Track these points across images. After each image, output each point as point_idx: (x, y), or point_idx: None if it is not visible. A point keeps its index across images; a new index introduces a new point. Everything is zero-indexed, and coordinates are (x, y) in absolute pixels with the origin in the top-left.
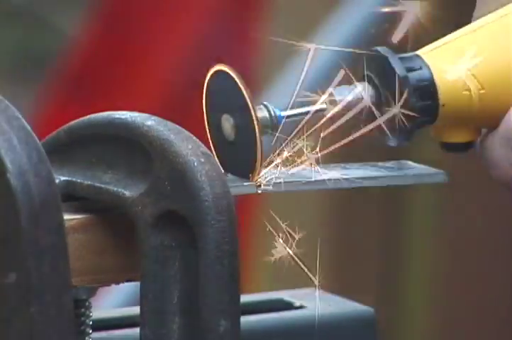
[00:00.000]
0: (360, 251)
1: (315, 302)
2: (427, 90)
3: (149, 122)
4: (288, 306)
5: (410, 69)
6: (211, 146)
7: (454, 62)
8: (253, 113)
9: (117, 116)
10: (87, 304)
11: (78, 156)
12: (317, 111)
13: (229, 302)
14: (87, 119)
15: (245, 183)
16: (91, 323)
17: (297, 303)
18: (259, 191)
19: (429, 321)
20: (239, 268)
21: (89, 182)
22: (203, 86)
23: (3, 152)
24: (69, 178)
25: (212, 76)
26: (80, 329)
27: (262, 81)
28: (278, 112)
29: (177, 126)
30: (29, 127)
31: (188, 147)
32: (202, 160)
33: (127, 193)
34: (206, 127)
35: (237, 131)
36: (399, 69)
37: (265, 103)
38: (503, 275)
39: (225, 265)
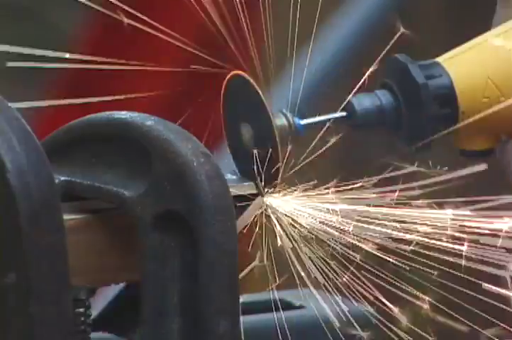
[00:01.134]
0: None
1: (315, 302)
2: (447, 97)
3: (149, 122)
4: (288, 306)
5: (429, 77)
6: (229, 152)
7: (473, 70)
8: (272, 122)
9: (117, 116)
10: (87, 304)
11: (78, 156)
12: (336, 120)
13: (229, 302)
14: (87, 119)
15: (245, 183)
16: (90, 322)
17: (297, 303)
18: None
19: (429, 321)
20: (239, 268)
21: (89, 182)
22: (204, 85)
23: (2, 152)
24: (69, 178)
25: (229, 82)
26: (80, 329)
27: (262, 81)
28: (297, 121)
29: (177, 126)
30: (29, 128)
31: (188, 147)
32: (202, 160)
33: (127, 193)
34: (224, 134)
35: (256, 139)
36: (419, 77)
37: (284, 111)
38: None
39: (225, 265)
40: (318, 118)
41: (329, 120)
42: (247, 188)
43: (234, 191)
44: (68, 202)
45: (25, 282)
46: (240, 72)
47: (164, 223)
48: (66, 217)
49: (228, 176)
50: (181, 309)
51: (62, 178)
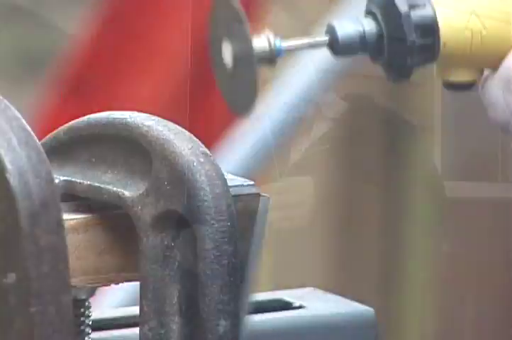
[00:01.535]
0: (360, 251)
1: (315, 302)
2: (429, 28)
3: (149, 122)
4: (288, 306)
5: (413, 6)
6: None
7: (458, 1)
8: (251, 42)
9: (117, 116)
10: (87, 304)
11: (78, 156)
12: (318, 43)
13: (229, 302)
14: (87, 119)
15: (245, 183)
16: (90, 323)
17: (297, 303)
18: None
19: (429, 321)
20: (239, 268)
21: (89, 182)
22: (204, 85)
23: (2, 152)
24: (69, 178)
25: (214, 6)
26: (80, 329)
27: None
28: (278, 43)
29: (177, 126)
30: (29, 127)
31: (188, 147)
32: (202, 160)
33: (127, 193)
34: (210, 57)
35: (236, 60)
36: (402, 6)
37: (267, 32)
38: (503, 275)
39: (225, 265)
40: (299, 41)
41: (311, 44)
42: (247, 188)
43: (234, 191)
44: (68, 202)
45: (25, 282)
46: None
47: (164, 223)
48: (66, 217)
49: (228, 176)
50: (181, 309)
51: (62, 178)
